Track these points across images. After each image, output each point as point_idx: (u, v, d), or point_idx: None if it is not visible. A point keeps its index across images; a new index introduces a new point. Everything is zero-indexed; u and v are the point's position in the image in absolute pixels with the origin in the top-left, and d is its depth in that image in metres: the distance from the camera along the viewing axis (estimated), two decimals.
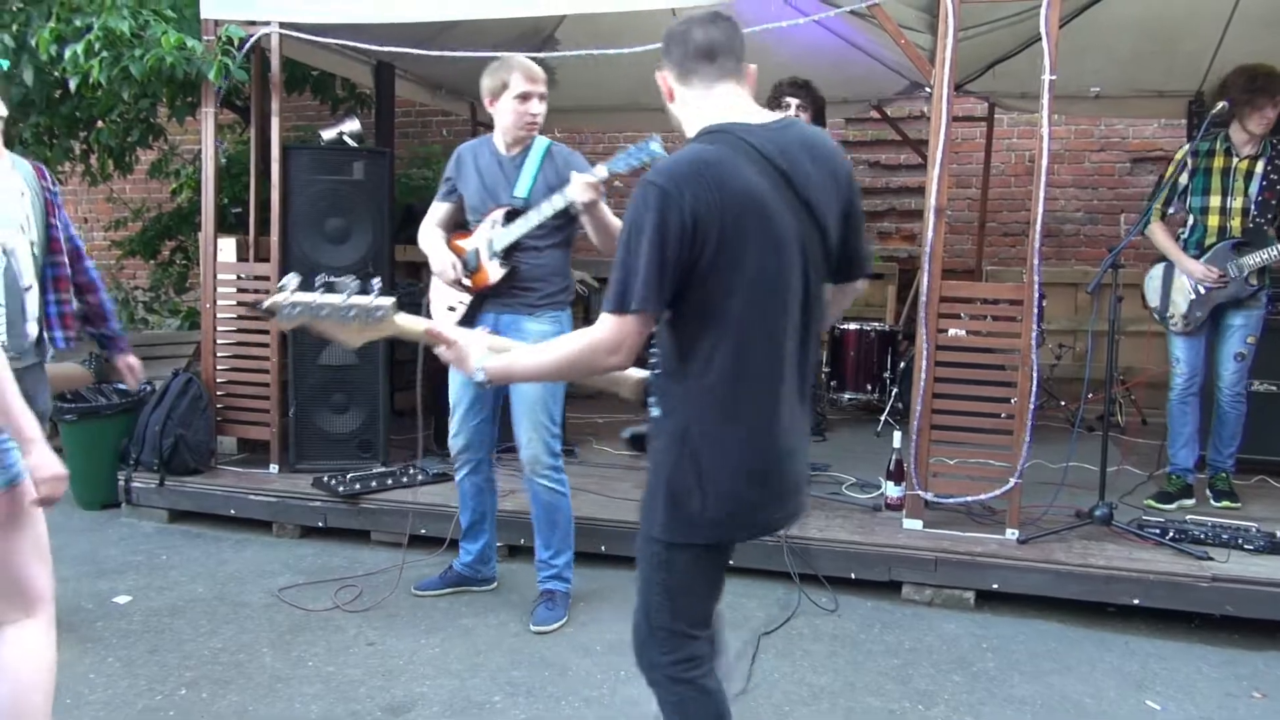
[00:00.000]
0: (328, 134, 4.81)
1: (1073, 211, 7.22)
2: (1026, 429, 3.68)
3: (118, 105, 5.26)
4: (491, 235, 3.35)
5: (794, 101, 4.23)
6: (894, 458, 4.06)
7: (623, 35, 4.61)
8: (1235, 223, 4.07)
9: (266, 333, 4.67)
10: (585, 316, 6.04)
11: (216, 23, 4.49)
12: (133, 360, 3.28)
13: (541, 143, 3.40)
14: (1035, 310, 3.70)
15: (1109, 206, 7.07)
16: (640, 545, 1.93)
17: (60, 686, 2.92)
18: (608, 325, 1.76)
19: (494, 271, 3.35)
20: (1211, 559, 3.49)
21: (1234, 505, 4.17)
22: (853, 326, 5.75)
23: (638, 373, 1.96)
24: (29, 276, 2.90)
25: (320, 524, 4.32)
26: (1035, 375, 3.72)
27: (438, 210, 3.55)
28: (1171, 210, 4.14)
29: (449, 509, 3.80)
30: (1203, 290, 4.07)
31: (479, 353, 1.94)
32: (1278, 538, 3.60)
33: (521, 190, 3.35)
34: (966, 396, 3.80)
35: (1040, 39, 3.58)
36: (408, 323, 1.97)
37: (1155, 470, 4.63)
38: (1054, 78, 3.57)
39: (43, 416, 2.85)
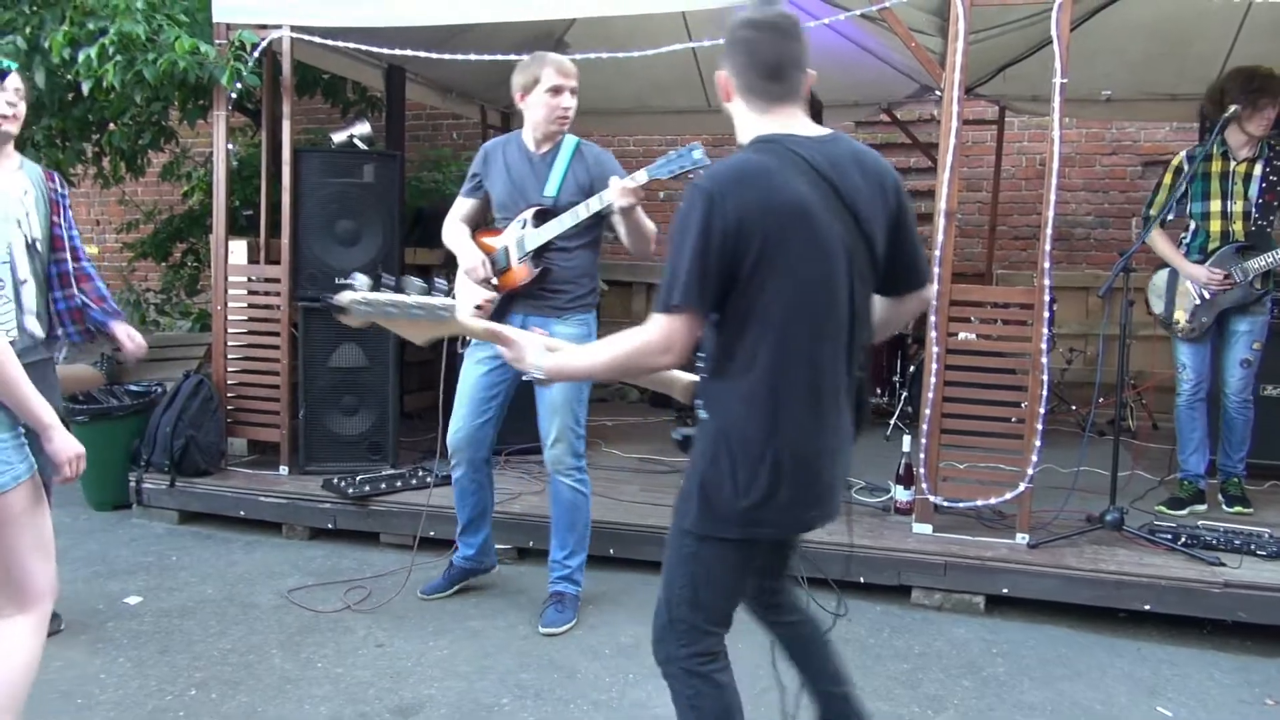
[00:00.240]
0: (338, 137, 4.83)
1: (1084, 215, 7.19)
2: (1037, 433, 3.67)
3: (130, 108, 5.28)
4: (522, 235, 3.33)
5: None
6: (903, 461, 4.05)
7: (633, 39, 4.63)
8: (1237, 226, 4.04)
9: (277, 335, 4.69)
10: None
11: (228, 26, 4.51)
12: (131, 329, 3.32)
13: (571, 141, 3.39)
14: (1046, 314, 3.69)
15: (1120, 210, 7.04)
16: (672, 537, 1.97)
17: (71, 687, 2.95)
18: (657, 325, 1.81)
19: (524, 272, 3.33)
20: (1224, 564, 3.47)
21: (1246, 511, 4.15)
22: None
23: (689, 376, 2.02)
24: (24, 271, 2.92)
25: (330, 526, 4.33)
26: (1046, 379, 3.70)
27: (462, 206, 3.53)
28: (1171, 216, 4.11)
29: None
30: (1207, 295, 4.05)
31: (536, 352, 1.99)
32: None
33: (551, 189, 3.33)
34: (977, 400, 3.78)
35: (1051, 42, 3.58)
36: (470, 323, 2.07)
37: (1167, 475, 4.60)
38: (1065, 81, 3.56)
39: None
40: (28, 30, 4.53)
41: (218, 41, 4.48)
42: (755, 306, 1.80)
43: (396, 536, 4.21)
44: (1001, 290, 4.93)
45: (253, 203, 5.57)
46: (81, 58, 4.28)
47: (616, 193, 3.11)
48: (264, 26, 4.50)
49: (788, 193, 1.77)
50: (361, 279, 2.04)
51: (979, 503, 3.81)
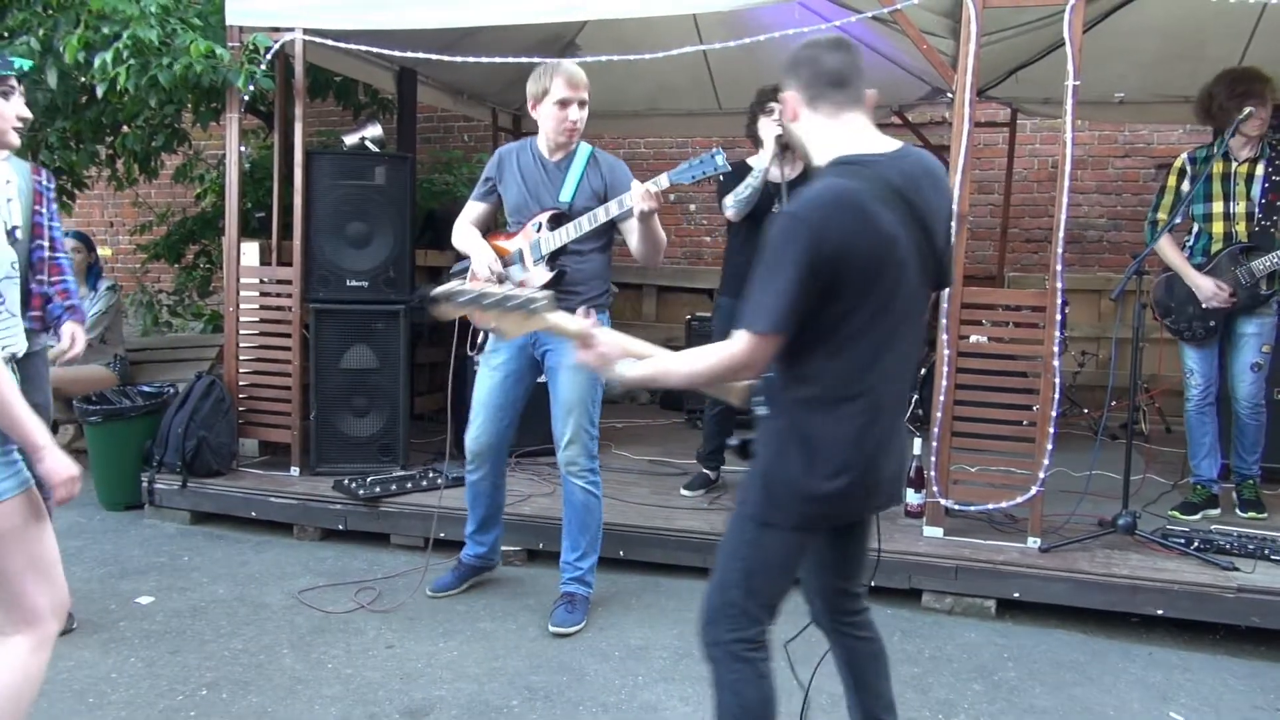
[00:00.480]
0: (350, 139, 4.84)
1: (1096, 218, 7.16)
2: (1049, 436, 3.65)
3: (143, 111, 5.31)
4: (538, 238, 3.37)
5: (778, 107, 4.20)
6: (914, 464, 4.04)
7: (643, 41, 4.62)
8: (1241, 228, 4.01)
9: (289, 336, 4.71)
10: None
11: (241, 29, 4.54)
12: (79, 331, 3.40)
13: (585, 148, 3.43)
14: (1058, 317, 3.67)
15: (1133, 213, 7.00)
16: (732, 524, 2.06)
17: (83, 686, 2.97)
18: (744, 344, 1.87)
19: (540, 275, 3.36)
20: (1237, 569, 3.45)
21: (1260, 516, 4.12)
22: None
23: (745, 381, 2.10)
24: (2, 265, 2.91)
25: (340, 527, 4.34)
26: (1058, 382, 3.69)
27: (473, 209, 3.57)
28: (1178, 220, 4.08)
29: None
30: (1214, 302, 4.02)
31: (621, 358, 2.06)
32: None
33: (566, 195, 3.37)
34: (988, 404, 3.77)
35: (1064, 44, 3.56)
36: (561, 320, 2.09)
37: (1179, 479, 4.57)
38: (1078, 83, 3.54)
39: (40, 409, 2.74)
40: (41, 32, 4.56)
41: (230, 44, 4.51)
42: (831, 321, 1.87)
43: (407, 538, 4.22)
44: (1013, 293, 4.91)
45: (265, 205, 5.61)
46: (96, 62, 4.30)
47: (639, 197, 3.12)
48: (276, 29, 4.52)
49: (880, 220, 1.84)
50: (457, 268, 2.10)
51: (990, 506, 3.79)
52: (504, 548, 3.89)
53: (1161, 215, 4.13)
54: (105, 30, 4.35)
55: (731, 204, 4.20)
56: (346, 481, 4.42)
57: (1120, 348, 4.16)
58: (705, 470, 4.56)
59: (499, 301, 2.03)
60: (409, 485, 4.40)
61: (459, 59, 4.56)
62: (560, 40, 5.72)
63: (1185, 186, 4.08)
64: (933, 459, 3.81)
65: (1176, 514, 4.13)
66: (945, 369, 3.74)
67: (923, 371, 5.61)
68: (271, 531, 4.45)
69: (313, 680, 3.05)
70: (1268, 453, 4.27)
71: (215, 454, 4.62)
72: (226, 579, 3.91)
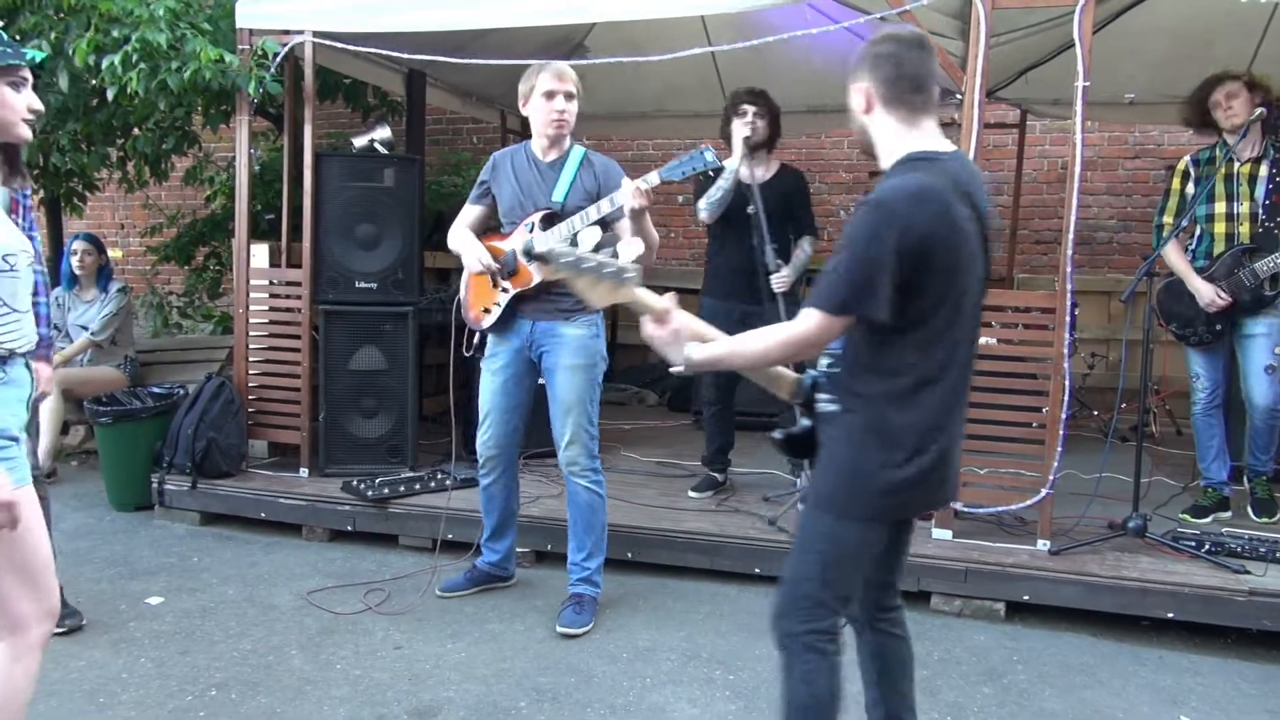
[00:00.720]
0: (359, 141, 4.86)
1: (1106, 219, 7.14)
2: (1058, 438, 3.64)
3: (153, 113, 5.33)
4: (530, 238, 3.38)
5: (751, 109, 4.20)
6: None
7: (652, 43, 4.63)
8: (1244, 228, 3.98)
9: (298, 337, 4.72)
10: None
11: (251, 32, 4.56)
12: (44, 369, 3.12)
13: (579, 150, 3.46)
14: (1068, 319, 3.66)
15: (1143, 214, 6.98)
16: (808, 518, 2.10)
17: (93, 686, 2.98)
18: (815, 321, 1.91)
19: (533, 273, 3.36)
20: (1248, 572, 3.43)
21: (1272, 519, 4.10)
22: None
23: (794, 374, 2.15)
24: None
25: (349, 528, 4.35)
26: (1067, 384, 3.67)
27: (469, 213, 3.60)
28: (1185, 222, 4.06)
29: (477, 514, 3.80)
30: (1213, 309, 3.99)
31: (691, 339, 2.06)
32: None
33: (559, 194, 3.39)
34: (997, 405, 3.75)
35: (1073, 45, 3.55)
36: (645, 295, 2.09)
37: (1190, 481, 4.55)
38: (1088, 84, 3.54)
39: None
40: (53, 35, 4.58)
41: (240, 47, 4.53)
42: (914, 315, 1.90)
43: (415, 539, 4.22)
44: (1023, 294, 4.89)
45: (274, 207, 5.62)
46: (106, 65, 4.32)
47: (629, 194, 3.14)
48: (286, 32, 4.54)
49: (956, 213, 1.90)
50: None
51: (1000, 508, 3.78)
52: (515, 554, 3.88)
53: (1168, 219, 4.10)
54: (115, 34, 4.38)
55: (704, 206, 4.22)
56: (355, 483, 4.43)
57: (1130, 349, 4.14)
58: (713, 473, 4.56)
59: (596, 267, 2.04)
60: (417, 486, 4.40)
61: (468, 61, 4.57)
62: (569, 42, 5.73)
63: (1189, 189, 4.06)
64: None
65: (1187, 517, 4.11)
66: None
67: None
68: (281, 532, 4.46)
69: (321, 681, 3.06)
70: None
71: (225, 455, 4.64)
72: (236, 580, 3.92)
